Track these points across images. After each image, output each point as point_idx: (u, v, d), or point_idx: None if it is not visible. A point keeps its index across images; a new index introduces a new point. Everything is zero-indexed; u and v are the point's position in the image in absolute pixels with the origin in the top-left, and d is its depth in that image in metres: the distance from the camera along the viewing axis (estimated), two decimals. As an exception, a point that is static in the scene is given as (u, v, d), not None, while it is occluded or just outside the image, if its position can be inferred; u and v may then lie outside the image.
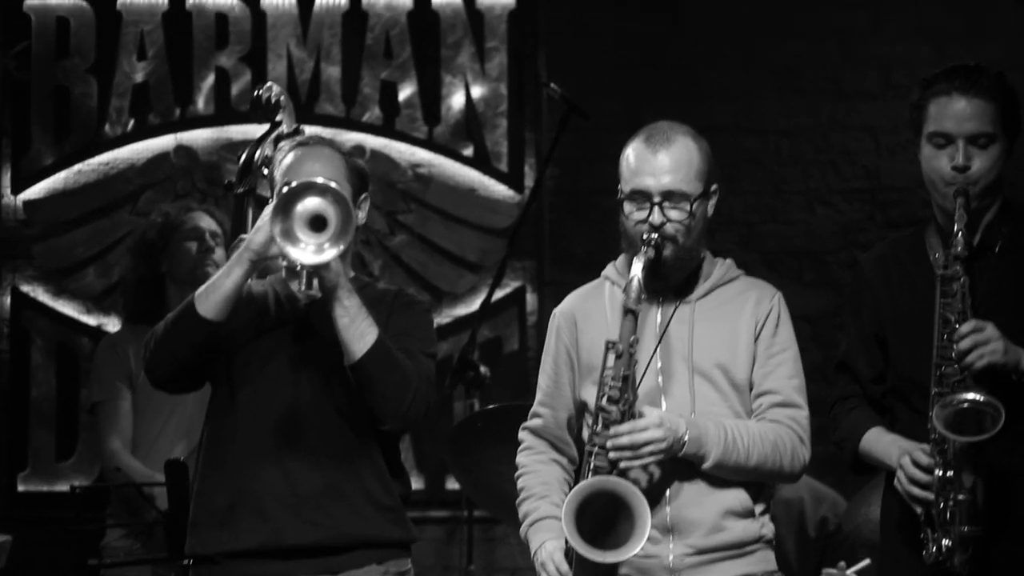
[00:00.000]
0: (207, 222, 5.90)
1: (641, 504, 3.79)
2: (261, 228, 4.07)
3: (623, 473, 3.89)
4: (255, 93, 4.81)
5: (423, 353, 4.24)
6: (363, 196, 4.31)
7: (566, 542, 3.95)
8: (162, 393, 4.54)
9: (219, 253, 5.77)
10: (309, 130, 7.03)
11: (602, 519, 3.82)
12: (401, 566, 4.28)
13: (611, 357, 3.93)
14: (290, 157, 4.29)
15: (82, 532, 5.10)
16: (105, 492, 5.81)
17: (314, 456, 4.18)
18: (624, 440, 3.87)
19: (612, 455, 3.88)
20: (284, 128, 4.77)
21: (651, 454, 3.88)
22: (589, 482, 3.86)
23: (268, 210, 4.07)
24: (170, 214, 5.94)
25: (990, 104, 4.02)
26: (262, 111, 4.79)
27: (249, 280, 4.18)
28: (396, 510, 4.27)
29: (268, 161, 4.90)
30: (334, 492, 4.18)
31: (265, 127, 4.81)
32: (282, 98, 4.80)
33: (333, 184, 4.02)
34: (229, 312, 4.12)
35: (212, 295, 4.11)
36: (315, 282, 4.08)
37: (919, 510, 3.96)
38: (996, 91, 4.04)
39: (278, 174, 4.27)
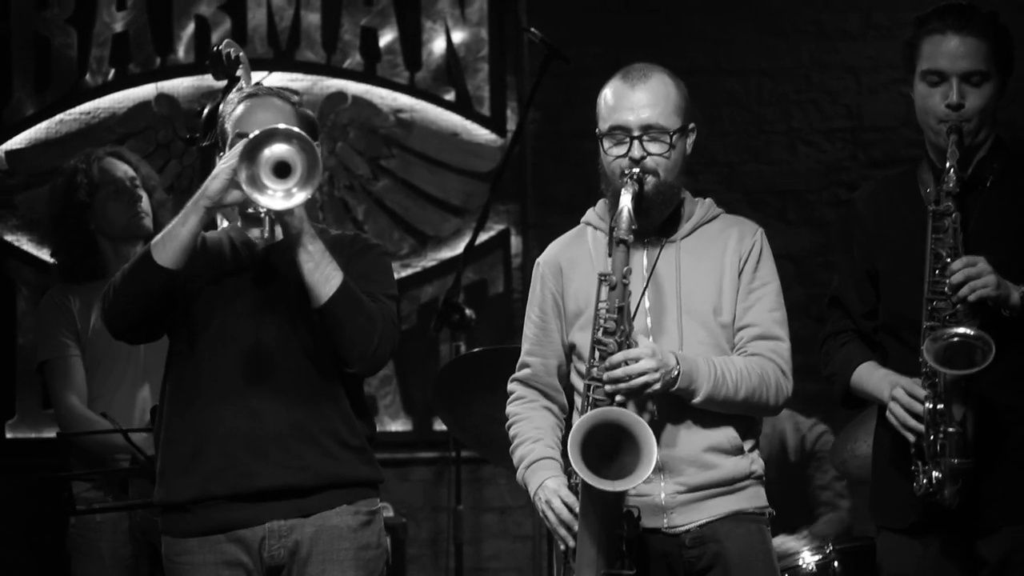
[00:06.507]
0: (122, 169, 5.69)
1: (646, 432, 3.79)
2: (218, 176, 4.05)
3: (623, 405, 3.90)
4: (215, 49, 4.79)
5: (385, 295, 4.25)
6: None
7: (568, 477, 3.99)
8: (114, 344, 4.55)
9: (144, 200, 5.63)
10: (286, 78, 7.14)
11: (606, 450, 3.82)
12: (371, 505, 4.27)
13: (604, 290, 3.94)
14: (240, 108, 4.26)
15: (53, 480, 5.09)
16: (70, 444, 5.74)
17: (279, 398, 4.17)
18: (619, 372, 3.89)
19: (608, 387, 3.89)
20: (243, 84, 4.76)
21: (645, 384, 3.90)
22: (592, 414, 3.85)
23: (226, 159, 4.07)
24: (90, 171, 5.67)
25: (983, 42, 4.05)
26: (222, 67, 4.78)
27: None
28: (364, 450, 4.26)
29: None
30: (301, 433, 4.17)
31: (223, 83, 4.81)
32: (241, 54, 4.80)
33: (296, 129, 4.02)
34: (187, 259, 4.11)
35: (169, 244, 4.08)
36: (277, 229, 4.11)
37: (912, 439, 4.00)
38: (989, 29, 4.06)
39: (229, 125, 4.24)
